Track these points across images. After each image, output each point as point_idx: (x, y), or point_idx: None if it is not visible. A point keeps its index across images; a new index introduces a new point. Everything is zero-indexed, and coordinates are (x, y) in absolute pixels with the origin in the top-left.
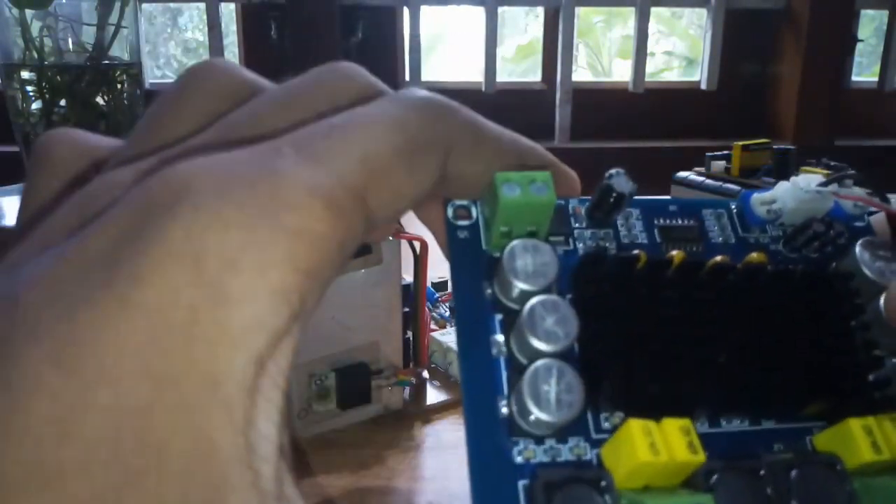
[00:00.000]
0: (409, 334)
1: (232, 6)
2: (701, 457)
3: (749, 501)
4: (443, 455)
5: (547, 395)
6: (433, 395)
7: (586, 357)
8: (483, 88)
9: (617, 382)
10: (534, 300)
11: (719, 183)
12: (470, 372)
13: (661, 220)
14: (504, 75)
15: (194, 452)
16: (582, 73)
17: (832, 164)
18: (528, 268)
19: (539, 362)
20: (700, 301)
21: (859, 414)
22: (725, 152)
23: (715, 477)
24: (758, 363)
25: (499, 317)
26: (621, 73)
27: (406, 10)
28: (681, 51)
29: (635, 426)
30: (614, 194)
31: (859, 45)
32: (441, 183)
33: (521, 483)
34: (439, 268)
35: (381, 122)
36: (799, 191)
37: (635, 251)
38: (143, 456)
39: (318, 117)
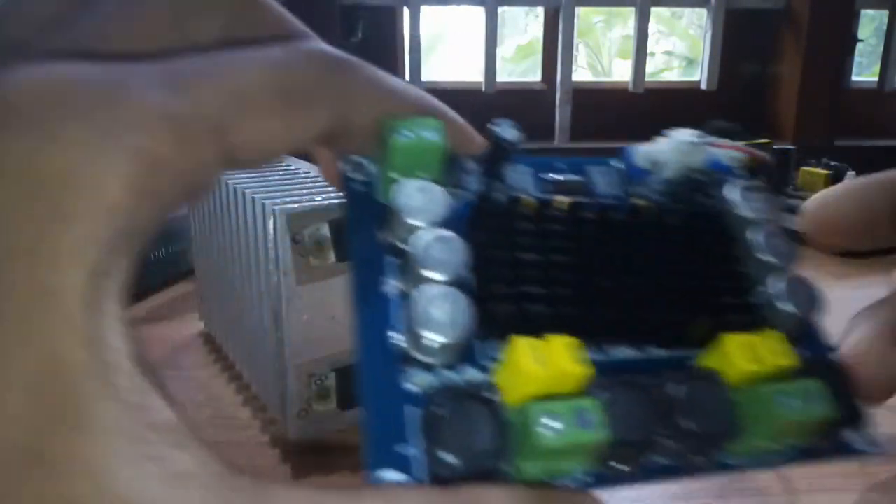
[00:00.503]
0: None
1: None
2: (587, 368)
3: (636, 414)
4: None
5: (435, 317)
6: None
7: (477, 284)
8: (483, 88)
9: (505, 306)
10: (423, 232)
11: None
12: (363, 309)
13: (550, 176)
14: (504, 75)
15: (39, 366)
16: (582, 73)
17: (832, 163)
18: (416, 202)
19: (429, 287)
20: (585, 234)
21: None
22: None
23: (602, 391)
24: (640, 288)
25: (392, 259)
26: (621, 73)
27: (406, 10)
28: (681, 51)
29: (521, 342)
30: (500, 141)
31: (859, 45)
32: (343, 136)
33: (414, 410)
34: None
35: (263, 63)
36: (677, 143)
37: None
38: None
39: (170, 15)
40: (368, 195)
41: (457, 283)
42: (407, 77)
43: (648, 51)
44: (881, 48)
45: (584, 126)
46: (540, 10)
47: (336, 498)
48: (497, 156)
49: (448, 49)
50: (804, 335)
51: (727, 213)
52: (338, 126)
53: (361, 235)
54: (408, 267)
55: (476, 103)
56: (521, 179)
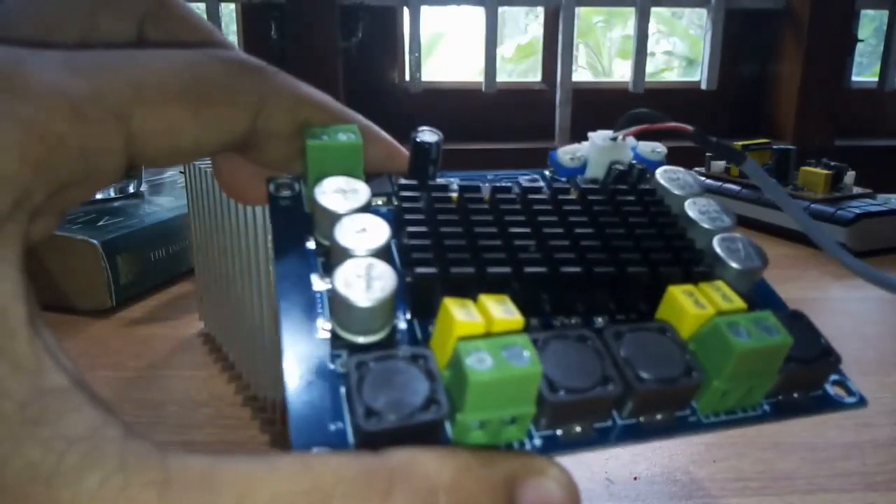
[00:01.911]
0: None
1: (232, 6)
2: (518, 319)
3: (572, 355)
4: None
5: (358, 283)
6: None
7: (403, 256)
8: (483, 88)
9: (430, 268)
10: (343, 218)
11: (719, 183)
12: (288, 308)
13: (477, 184)
14: (504, 75)
15: None
16: (582, 73)
17: (832, 163)
18: (339, 195)
19: (348, 259)
20: (510, 210)
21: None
22: None
23: (539, 341)
24: (570, 252)
25: (321, 260)
26: (621, 73)
27: (406, 10)
28: (681, 51)
29: (449, 301)
30: (424, 145)
31: (859, 45)
32: (258, 143)
33: (343, 390)
34: None
35: (174, 58)
36: (597, 140)
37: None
38: None
39: (81, 8)
40: (294, 209)
41: (381, 256)
42: (407, 77)
43: (648, 51)
44: (881, 48)
45: (584, 126)
46: (540, 10)
47: (236, 465)
48: (420, 160)
49: (448, 49)
50: (755, 292)
51: (659, 192)
52: (252, 131)
53: (287, 245)
54: (333, 256)
55: (476, 103)
56: (451, 191)
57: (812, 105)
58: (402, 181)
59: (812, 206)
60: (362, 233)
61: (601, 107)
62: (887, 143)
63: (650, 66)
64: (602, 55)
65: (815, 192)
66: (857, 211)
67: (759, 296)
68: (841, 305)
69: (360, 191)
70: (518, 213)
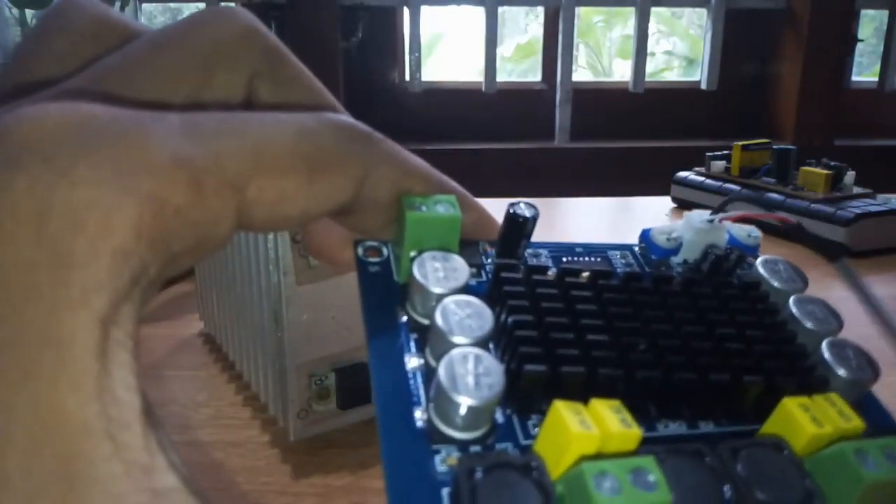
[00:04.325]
0: None
1: (231, 6)
2: (636, 432)
3: (696, 476)
4: None
5: (464, 379)
6: None
7: (506, 347)
8: (483, 88)
9: (540, 366)
10: (445, 299)
11: (719, 183)
12: (384, 390)
13: (569, 258)
14: (504, 75)
15: (40, 424)
16: (582, 73)
17: (832, 163)
18: (438, 272)
19: (455, 350)
20: (612, 300)
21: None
22: (725, 152)
23: (658, 456)
24: (680, 352)
25: (414, 336)
26: (621, 73)
27: (406, 10)
28: (681, 51)
29: (561, 405)
30: (518, 219)
31: (859, 45)
32: (358, 210)
33: (447, 490)
34: None
35: (289, 125)
36: (694, 222)
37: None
38: None
39: (195, 63)
40: (385, 277)
41: (484, 345)
42: (407, 77)
43: (648, 51)
44: (881, 48)
45: (584, 126)
46: (540, 10)
47: None
48: (514, 234)
49: (448, 49)
50: (862, 402)
51: (760, 284)
52: (355, 198)
53: (379, 313)
54: (431, 338)
55: (476, 103)
56: (540, 262)
57: (812, 105)
58: (500, 261)
59: (812, 206)
60: (465, 318)
61: (601, 107)
62: (887, 143)
63: (650, 66)
64: (602, 55)
65: (815, 192)
66: (857, 211)
67: (865, 407)
68: (842, 305)
69: (459, 269)
70: (623, 304)
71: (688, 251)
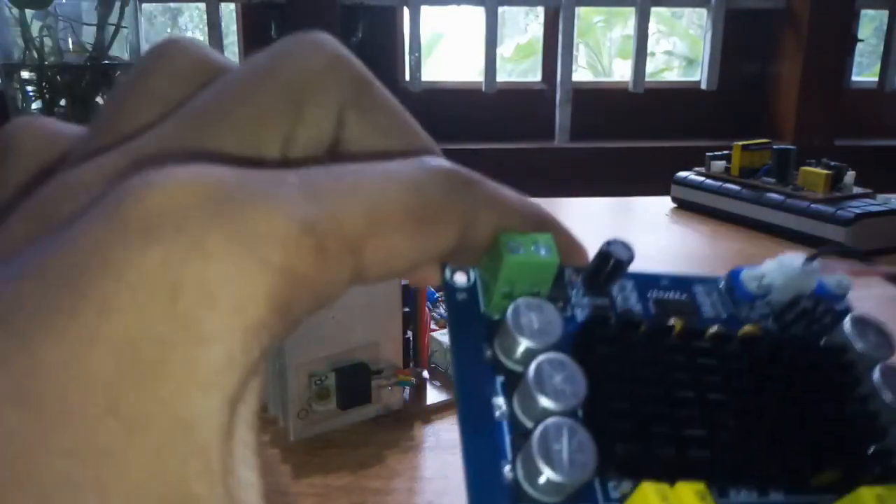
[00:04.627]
0: (409, 334)
1: (232, 6)
2: None
3: None
4: (443, 455)
5: (559, 455)
6: (433, 395)
7: (592, 419)
8: (483, 88)
9: (628, 444)
10: (541, 357)
11: (719, 183)
12: (472, 437)
13: (655, 293)
14: (504, 75)
15: (169, 502)
16: (582, 73)
17: (832, 164)
18: (533, 325)
19: (549, 420)
20: (703, 366)
21: (869, 484)
22: (725, 152)
23: None
24: (764, 432)
25: (500, 378)
26: (621, 73)
27: (406, 10)
28: (681, 51)
29: (650, 489)
30: (612, 261)
31: (859, 45)
32: (459, 252)
33: None
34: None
35: (398, 179)
36: (786, 267)
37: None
38: None
39: (287, 100)
40: (471, 305)
41: (575, 413)
42: (407, 77)
43: (648, 51)
44: (881, 48)
45: (584, 126)
46: (540, 10)
47: None
48: (606, 274)
49: (448, 49)
50: None
51: (846, 347)
52: (458, 244)
53: (466, 347)
54: (521, 392)
55: (476, 103)
56: (626, 297)
57: (812, 105)
58: (592, 307)
59: (812, 206)
60: (560, 383)
61: (601, 107)
62: (887, 143)
63: (650, 66)
64: (602, 55)
65: (815, 192)
66: (857, 211)
67: None
68: None
69: (553, 322)
70: (712, 371)
71: (776, 294)
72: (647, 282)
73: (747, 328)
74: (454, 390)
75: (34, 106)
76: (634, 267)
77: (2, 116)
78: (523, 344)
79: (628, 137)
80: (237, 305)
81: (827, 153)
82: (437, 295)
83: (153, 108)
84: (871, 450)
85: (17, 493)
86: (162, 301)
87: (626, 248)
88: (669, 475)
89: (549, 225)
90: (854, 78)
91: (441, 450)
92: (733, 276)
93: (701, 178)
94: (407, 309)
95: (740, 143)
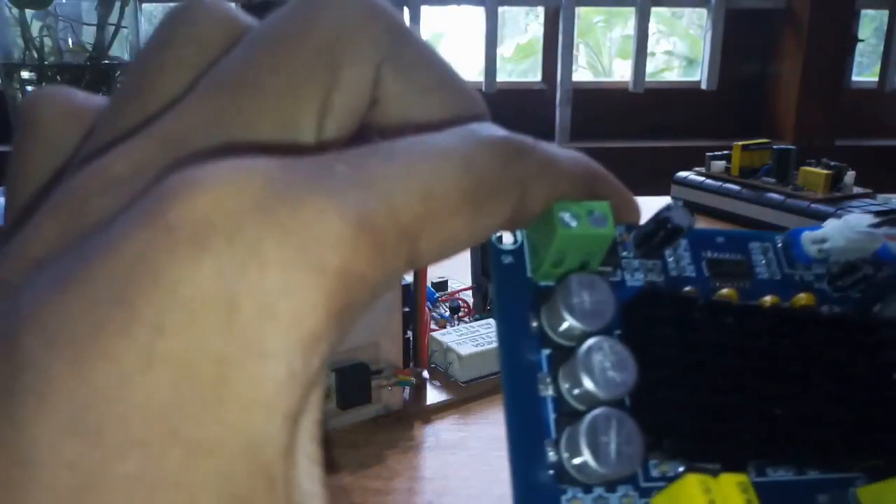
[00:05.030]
0: (409, 334)
1: (232, 6)
2: None
3: None
4: (443, 455)
5: (606, 447)
6: (433, 395)
7: (640, 404)
8: (483, 88)
9: (677, 433)
10: (592, 341)
11: (719, 183)
12: (516, 411)
13: (710, 253)
14: (504, 75)
15: None
16: (582, 73)
17: (832, 163)
18: (584, 305)
19: (598, 411)
20: (756, 346)
21: None
22: (725, 152)
23: None
24: (811, 417)
25: (546, 352)
26: (621, 73)
27: (406, 10)
28: (681, 51)
29: (694, 482)
30: (670, 226)
31: (859, 45)
32: (512, 223)
33: None
34: (439, 268)
35: (450, 157)
36: (849, 230)
37: (687, 288)
38: None
39: (322, 61)
40: (518, 270)
41: (618, 402)
42: None
43: (648, 51)
44: (881, 48)
45: (584, 126)
46: (540, 10)
47: None
48: (661, 238)
49: (448, 49)
50: None
51: None
52: (513, 217)
53: (512, 314)
54: (568, 371)
55: None
56: (679, 259)
57: (812, 105)
58: (641, 295)
59: (812, 206)
60: (609, 371)
61: (601, 107)
62: (887, 143)
63: (650, 66)
64: (602, 55)
65: (815, 192)
66: (857, 211)
67: None
68: None
69: (606, 302)
70: (763, 357)
71: (836, 255)
72: (701, 240)
73: (801, 297)
74: (499, 358)
75: None
76: None
77: (2, 116)
78: (573, 324)
79: (628, 137)
80: (296, 317)
81: (827, 153)
82: (437, 295)
83: (179, 79)
84: None
85: None
86: (219, 317)
87: (686, 214)
88: (715, 460)
89: (602, 182)
90: (854, 78)
91: (441, 450)
92: (793, 235)
93: (701, 178)
94: (407, 309)
95: (740, 143)
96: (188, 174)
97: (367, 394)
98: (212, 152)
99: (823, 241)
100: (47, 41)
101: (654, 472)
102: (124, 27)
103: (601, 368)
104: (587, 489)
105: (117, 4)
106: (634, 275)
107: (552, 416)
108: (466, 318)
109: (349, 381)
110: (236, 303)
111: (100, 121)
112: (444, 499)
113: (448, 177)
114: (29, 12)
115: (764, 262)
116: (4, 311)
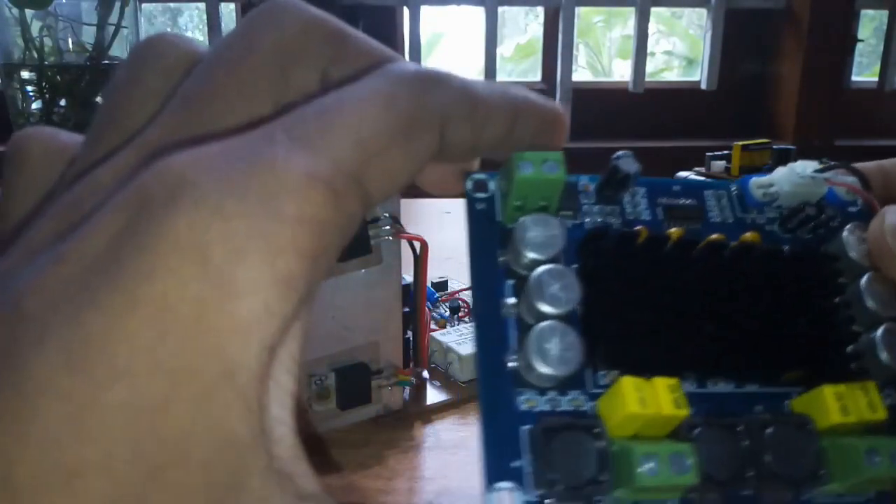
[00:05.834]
0: (409, 334)
1: (232, 6)
2: (684, 411)
3: (726, 454)
4: (443, 455)
5: (550, 352)
6: (433, 395)
7: (586, 320)
8: None
9: (613, 344)
10: (541, 268)
11: None
12: (483, 330)
13: (665, 199)
14: (504, 75)
15: (215, 443)
16: (582, 73)
17: (832, 164)
18: (537, 239)
19: (544, 323)
20: (693, 275)
21: (834, 382)
22: (725, 152)
23: (696, 430)
24: (742, 333)
25: (510, 282)
26: (621, 73)
27: (406, 10)
28: (681, 51)
29: (627, 382)
30: (620, 174)
31: (859, 45)
32: (442, 151)
33: (524, 428)
34: (439, 268)
35: (372, 101)
36: (795, 175)
37: (637, 227)
38: (164, 450)
39: (272, 71)
40: (489, 214)
41: (568, 316)
42: None
43: (648, 51)
44: (881, 48)
45: (584, 126)
46: (540, 10)
47: None
48: (614, 185)
49: (448, 49)
50: None
51: (840, 254)
52: (442, 145)
53: (482, 255)
54: (524, 294)
55: None
56: (637, 204)
57: (812, 105)
58: (592, 231)
59: None
60: (557, 291)
61: (601, 107)
62: (887, 143)
63: (650, 66)
64: (602, 55)
65: None
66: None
67: None
68: None
69: (556, 236)
70: (702, 275)
71: (784, 200)
72: (657, 187)
73: (747, 236)
74: (471, 291)
75: (34, 106)
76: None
77: (2, 116)
78: (528, 255)
79: (628, 137)
80: (266, 258)
81: (827, 153)
82: (437, 295)
83: (150, 104)
84: (841, 352)
85: (82, 447)
86: (194, 262)
87: (633, 161)
88: (648, 370)
89: (523, 106)
90: (854, 78)
91: (441, 450)
92: (743, 182)
93: (701, 178)
94: (407, 309)
95: (740, 143)
96: (160, 163)
97: (367, 394)
98: (177, 144)
99: (770, 185)
100: (47, 41)
101: (603, 381)
102: (124, 27)
103: (548, 289)
104: (542, 392)
105: (117, 4)
106: (595, 218)
107: (514, 335)
108: (466, 318)
109: (349, 381)
110: (208, 249)
111: (82, 148)
112: (444, 499)
113: (373, 118)
114: (29, 12)
115: (717, 207)
116: (9, 288)
